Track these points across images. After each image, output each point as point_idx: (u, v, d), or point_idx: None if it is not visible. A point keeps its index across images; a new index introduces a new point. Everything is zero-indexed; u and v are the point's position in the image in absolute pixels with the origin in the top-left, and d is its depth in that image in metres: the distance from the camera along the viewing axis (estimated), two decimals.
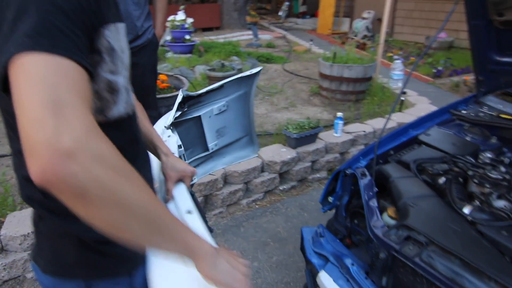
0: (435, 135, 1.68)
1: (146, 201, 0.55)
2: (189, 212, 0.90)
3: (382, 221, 1.30)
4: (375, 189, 1.41)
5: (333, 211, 1.63)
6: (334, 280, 1.31)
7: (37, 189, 0.62)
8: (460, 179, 1.40)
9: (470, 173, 1.40)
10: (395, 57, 4.47)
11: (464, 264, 1.06)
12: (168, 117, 1.36)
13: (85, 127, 0.49)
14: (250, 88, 1.58)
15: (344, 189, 1.56)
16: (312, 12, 11.93)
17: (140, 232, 0.55)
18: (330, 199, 1.59)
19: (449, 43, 7.51)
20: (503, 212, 1.21)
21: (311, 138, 2.87)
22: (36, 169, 0.46)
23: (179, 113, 1.38)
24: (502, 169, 1.40)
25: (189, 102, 1.41)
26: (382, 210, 1.39)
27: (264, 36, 8.28)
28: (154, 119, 1.33)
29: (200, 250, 0.65)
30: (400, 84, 4.41)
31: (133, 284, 0.77)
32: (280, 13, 10.49)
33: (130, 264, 0.77)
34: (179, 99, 1.36)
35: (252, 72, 1.51)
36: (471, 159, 1.49)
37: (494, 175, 1.34)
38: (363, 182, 1.44)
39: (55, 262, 0.75)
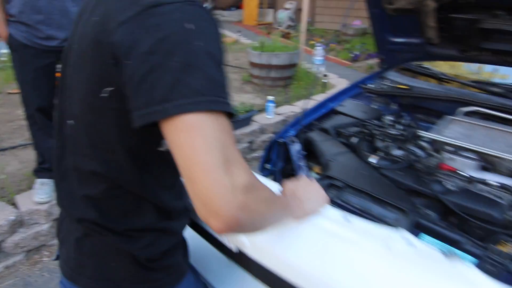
0: (349, 106, 2.01)
1: (281, 205, 0.75)
2: None
3: (310, 176, 1.58)
4: (303, 153, 1.70)
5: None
6: None
7: (94, 210, 0.74)
8: (368, 138, 1.74)
9: (375, 132, 1.74)
10: (317, 44, 4.88)
11: (372, 198, 1.38)
12: None
13: (249, 178, 0.58)
14: None
15: (278, 156, 1.82)
16: (237, 4, 12.18)
17: (279, 222, 0.75)
18: (268, 166, 1.85)
19: (363, 30, 8.23)
20: (399, 158, 1.56)
21: (246, 121, 3.12)
22: (219, 222, 0.55)
23: None
24: (400, 127, 1.75)
25: None
26: (310, 168, 1.68)
27: None
28: None
29: (293, 206, 0.82)
30: (322, 69, 4.84)
31: None
32: (205, 5, 10.56)
33: (175, 276, 0.84)
34: None
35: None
36: (376, 122, 1.83)
37: (393, 132, 1.69)
38: (293, 148, 1.72)
39: (102, 279, 0.78)
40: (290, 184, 0.90)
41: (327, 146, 1.68)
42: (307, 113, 1.93)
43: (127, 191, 0.74)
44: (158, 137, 0.61)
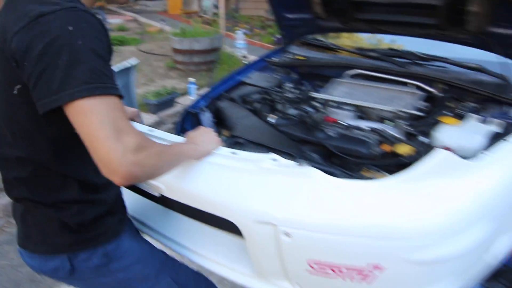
0: (254, 77, 2.23)
1: (174, 154, 0.93)
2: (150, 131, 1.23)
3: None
4: (213, 120, 1.89)
5: None
6: None
7: (25, 189, 0.91)
8: (269, 102, 1.98)
9: (275, 97, 1.98)
10: (241, 30, 5.11)
11: (268, 148, 1.61)
12: None
13: (137, 141, 0.75)
14: (128, 79, 1.80)
15: (192, 125, 1.99)
16: None
17: (176, 165, 0.94)
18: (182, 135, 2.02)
19: None
20: (293, 116, 1.81)
21: (169, 102, 3.25)
22: (118, 178, 0.74)
23: None
24: (296, 91, 2.01)
25: None
26: (220, 133, 1.87)
27: (114, 20, 8.14)
28: None
29: (188, 150, 1.02)
30: (244, 52, 5.07)
31: (107, 251, 0.99)
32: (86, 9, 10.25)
33: (103, 238, 0.99)
34: None
35: (126, 66, 1.75)
36: (277, 89, 2.07)
37: (289, 95, 1.94)
38: (204, 116, 1.90)
39: (44, 243, 0.95)
40: (190, 133, 1.12)
41: (234, 112, 1.89)
42: (216, 86, 2.13)
43: (52, 171, 0.90)
44: (67, 122, 0.75)
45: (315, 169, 0.96)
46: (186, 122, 1.98)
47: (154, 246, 1.14)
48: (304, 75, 2.29)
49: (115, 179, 0.75)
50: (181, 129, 2.01)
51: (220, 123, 1.93)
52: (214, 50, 4.67)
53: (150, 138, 0.85)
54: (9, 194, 0.97)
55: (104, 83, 0.75)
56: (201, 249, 1.22)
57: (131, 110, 1.38)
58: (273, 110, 1.93)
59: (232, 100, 2.03)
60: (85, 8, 0.80)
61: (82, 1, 0.86)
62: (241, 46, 5.04)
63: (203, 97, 2.04)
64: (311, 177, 0.95)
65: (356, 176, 1.40)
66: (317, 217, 0.92)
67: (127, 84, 1.82)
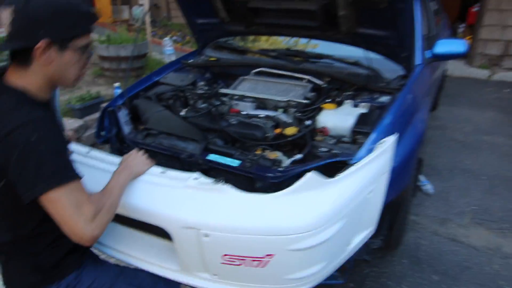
0: (171, 77, 2.43)
1: (117, 194, 1.17)
2: (88, 152, 1.48)
3: (134, 133, 1.96)
4: (129, 116, 2.06)
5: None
6: None
7: (7, 247, 1.15)
8: (182, 99, 2.19)
9: (188, 94, 2.20)
10: (173, 37, 5.31)
11: (177, 137, 1.82)
12: None
13: (93, 209, 1.01)
14: (53, 98, 1.92)
15: (111, 123, 2.14)
16: (89, 2, 11.70)
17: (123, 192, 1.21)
18: (103, 133, 2.16)
19: None
20: (202, 109, 2.04)
21: (95, 107, 3.33)
22: (85, 242, 1.00)
23: None
24: (206, 88, 2.24)
25: None
26: (136, 128, 2.05)
27: None
28: None
29: (126, 179, 1.24)
30: (173, 58, 5.22)
31: (69, 281, 1.18)
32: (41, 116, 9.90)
33: (66, 271, 1.18)
34: None
35: None
36: (191, 87, 2.29)
37: (200, 91, 2.17)
38: (120, 113, 2.07)
39: (22, 283, 1.17)
40: (125, 156, 1.36)
41: (149, 108, 2.08)
42: (133, 86, 2.30)
43: (30, 236, 1.12)
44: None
45: (227, 185, 1.25)
46: (105, 120, 2.13)
47: (108, 263, 1.33)
48: (217, 74, 2.54)
49: (83, 243, 1.02)
50: (100, 126, 2.15)
51: (136, 119, 2.11)
52: (141, 56, 4.78)
53: (99, 196, 1.10)
54: None
55: (66, 174, 1.00)
56: (136, 253, 1.44)
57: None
58: (185, 105, 2.15)
59: (147, 98, 2.21)
60: (39, 115, 1.01)
61: (39, 96, 1.07)
62: (169, 53, 5.20)
63: (120, 96, 2.20)
64: (224, 192, 1.25)
65: (252, 154, 1.65)
66: (228, 222, 1.21)
67: (53, 100, 1.95)
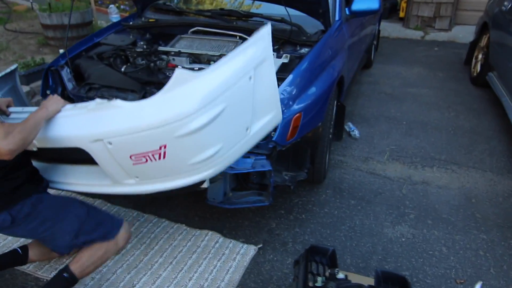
0: (111, 38, 2.57)
1: (31, 123, 1.36)
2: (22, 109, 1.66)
3: (77, 88, 2.13)
4: (71, 74, 2.21)
5: None
6: None
7: None
8: (123, 57, 2.35)
9: (128, 52, 2.36)
10: (111, 5, 5.26)
11: (118, 89, 2.01)
12: None
13: (4, 131, 1.25)
14: (15, 82, 2.04)
15: (55, 82, 2.28)
16: None
17: (39, 128, 1.40)
18: (48, 91, 2.29)
19: None
20: (141, 65, 2.22)
21: (41, 73, 3.37)
22: (4, 156, 1.26)
23: None
24: (145, 47, 2.41)
25: None
26: (78, 85, 2.20)
27: None
28: None
29: (41, 115, 1.43)
30: None
31: (36, 198, 1.49)
32: None
33: (27, 194, 1.47)
34: None
35: (8, 72, 1.96)
36: (131, 46, 2.45)
37: (139, 49, 2.34)
38: (63, 72, 2.21)
39: None
40: (43, 101, 1.56)
41: (89, 66, 2.23)
42: (75, 46, 2.43)
43: None
44: None
45: (119, 100, 1.40)
46: (49, 79, 2.27)
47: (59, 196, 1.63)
48: (156, 35, 2.70)
49: (4, 157, 1.28)
50: (44, 85, 2.28)
51: (78, 78, 2.26)
52: (86, 24, 4.75)
53: (12, 123, 1.32)
54: None
55: None
56: (79, 181, 1.69)
57: (5, 100, 1.70)
58: (126, 62, 2.32)
59: (89, 57, 2.36)
60: None
61: None
62: (115, 20, 5.18)
63: (62, 56, 2.33)
64: (116, 106, 1.40)
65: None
66: (121, 126, 1.37)
67: (15, 85, 2.09)
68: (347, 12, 2.73)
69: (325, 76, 2.17)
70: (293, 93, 1.92)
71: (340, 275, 1.27)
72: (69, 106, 1.54)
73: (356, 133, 3.18)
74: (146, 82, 2.11)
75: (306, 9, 2.43)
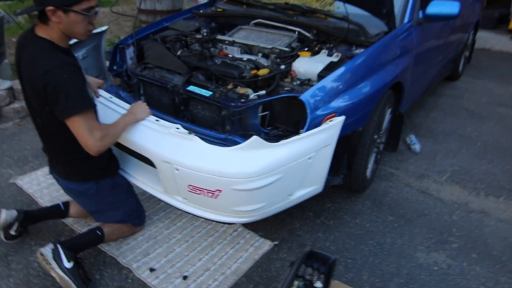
0: (179, 24, 2.72)
1: (121, 128, 1.65)
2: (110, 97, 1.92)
3: (136, 65, 2.30)
4: (135, 53, 2.40)
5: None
6: None
7: (56, 152, 1.75)
8: (183, 41, 2.48)
9: (188, 38, 2.48)
10: None
11: (168, 71, 2.13)
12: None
13: (102, 134, 1.51)
14: (100, 41, 2.40)
15: (122, 59, 2.50)
16: None
17: (124, 131, 1.69)
18: (115, 67, 2.52)
19: None
20: (195, 51, 2.32)
21: None
22: (93, 154, 1.52)
23: None
24: (204, 34, 2.50)
25: None
26: (139, 64, 2.38)
27: None
28: None
29: (130, 121, 1.70)
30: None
31: (115, 181, 1.81)
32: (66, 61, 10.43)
33: (108, 173, 1.79)
34: None
35: (98, 31, 2.33)
36: (194, 33, 2.57)
37: (198, 36, 2.44)
38: (128, 51, 2.41)
39: (76, 176, 1.74)
40: (132, 105, 1.81)
41: (152, 47, 2.40)
42: (144, 29, 2.63)
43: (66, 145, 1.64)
44: None
45: (197, 136, 1.61)
46: (117, 56, 2.49)
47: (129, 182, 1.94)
48: (222, 24, 2.79)
49: (93, 154, 1.53)
50: (112, 61, 2.51)
51: (141, 56, 2.44)
52: (176, 11, 5.08)
53: (106, 126, 1.58)
54: (48, 156, 1.80)
55: (83, 103, 1.47)
56: (135, 174, 1.93)
57: (98, 81, 1.99)
58: (184, 47, 2.44)
59: (154, 39, 2.53)
60: (68, 61, 1.47)
61: (61, 45, 1.51)
62: None
63: (131, 36, 2.53)
64: (193, 140, 1.60)
65: (223, 87, 1.93)
66: (192, 162, 1.58)
67: (99, 45, 2.44)
68: (421, 15, 2.51)
69: (375, 79, 2.03)
70: (330, 91, 1.84)
71: (318, 284, 1.21)
72: (153, 118, 1.76)
73: (417, 147, 2.93)
74: (195, 67, 2.20)
75: (370, 8, 2.30)
